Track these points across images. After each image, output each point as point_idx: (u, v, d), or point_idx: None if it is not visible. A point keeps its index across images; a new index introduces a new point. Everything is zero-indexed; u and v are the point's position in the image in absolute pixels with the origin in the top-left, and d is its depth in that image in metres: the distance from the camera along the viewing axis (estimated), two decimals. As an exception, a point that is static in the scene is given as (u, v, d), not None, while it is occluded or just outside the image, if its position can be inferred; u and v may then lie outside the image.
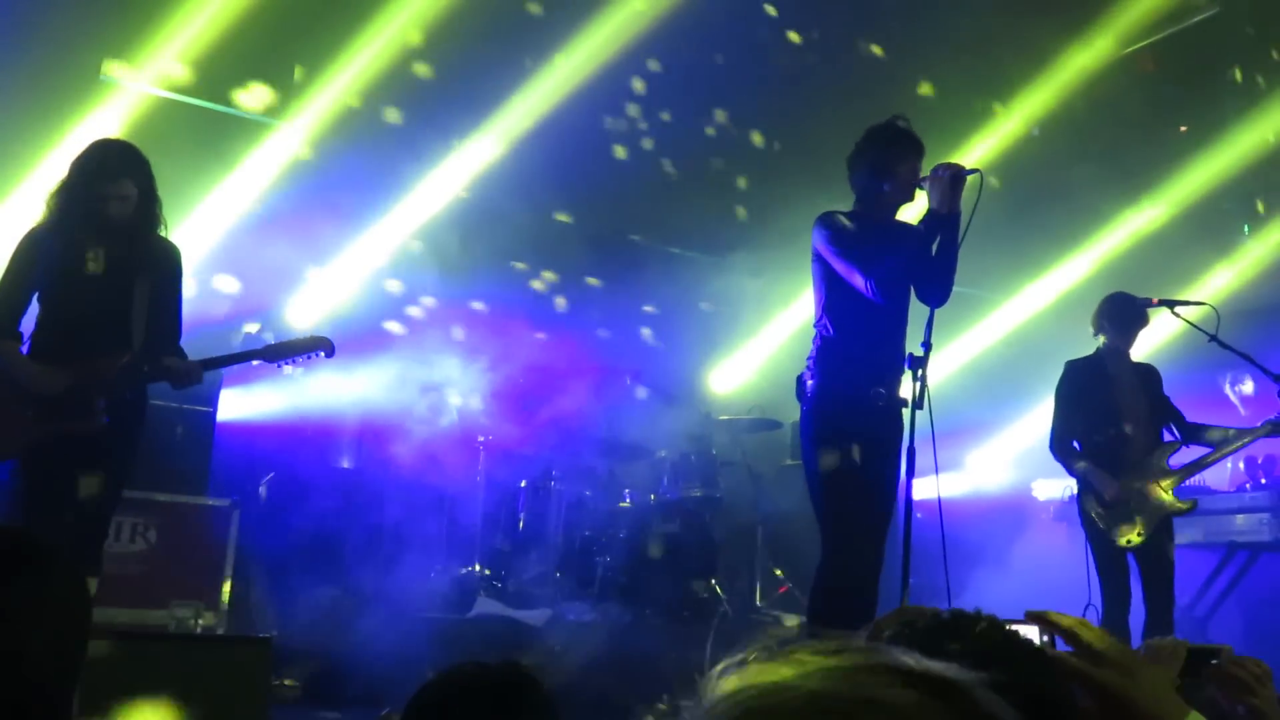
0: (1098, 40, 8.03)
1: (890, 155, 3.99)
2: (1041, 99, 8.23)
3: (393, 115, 7.26)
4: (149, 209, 3.84)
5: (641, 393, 7.07)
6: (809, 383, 3.97)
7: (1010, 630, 1.03)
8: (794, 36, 8.03)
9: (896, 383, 3.94)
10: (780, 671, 0.63)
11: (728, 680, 0.64)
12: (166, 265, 3.93)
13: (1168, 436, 5.15)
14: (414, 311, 7.55)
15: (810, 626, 3.99)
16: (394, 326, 7.34)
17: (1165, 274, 7.51)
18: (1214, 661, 1.46)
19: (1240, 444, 5.05)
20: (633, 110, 7.86)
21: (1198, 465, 5.07)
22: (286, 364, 3.99)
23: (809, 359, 4.03)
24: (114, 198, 3.73)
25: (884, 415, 3.89)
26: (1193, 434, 5.13)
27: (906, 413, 4.00)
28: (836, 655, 0.63)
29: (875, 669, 0.62)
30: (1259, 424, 5.02)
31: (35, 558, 1.24)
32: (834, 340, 3.97)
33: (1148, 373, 5.25)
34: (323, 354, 4.00)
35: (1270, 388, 4.79)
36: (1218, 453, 5.06)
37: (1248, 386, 6.89)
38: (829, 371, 3.93)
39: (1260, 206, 8.23)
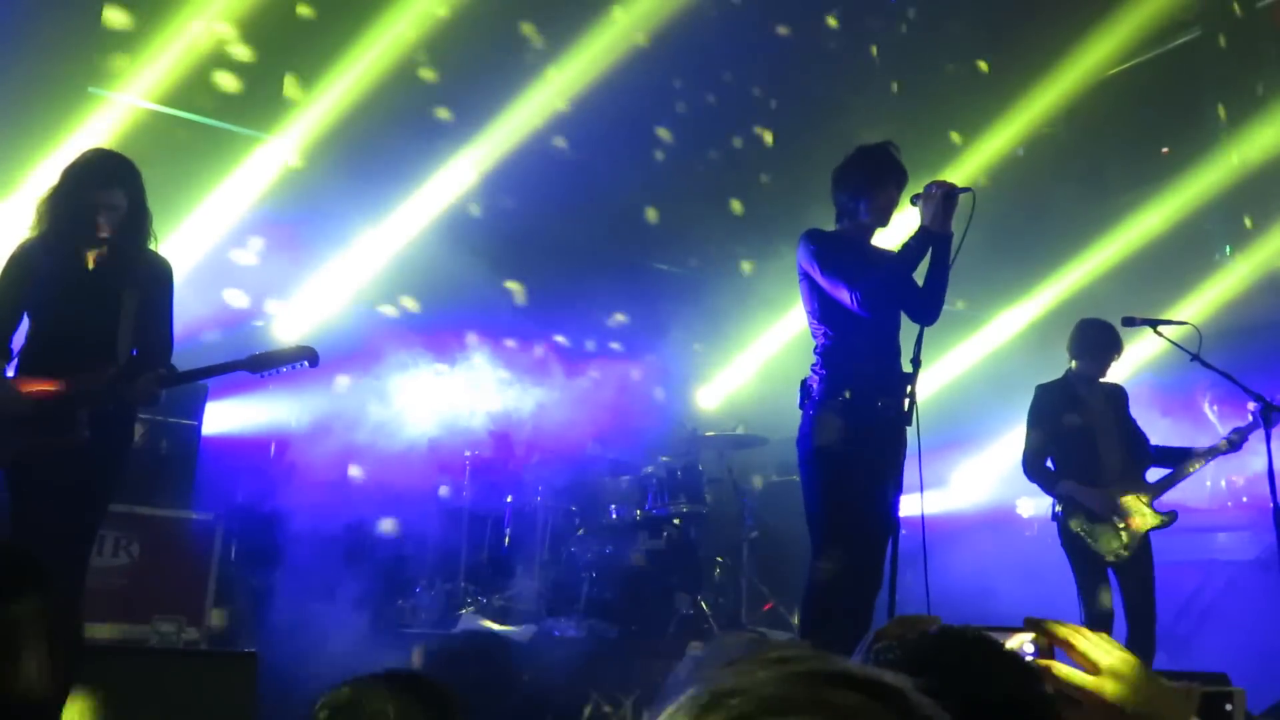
0: (1082, 61, 8.12)
1: (871, 178, 4.02)
2: (1026, 119, 8.31)
3: (384, 126, 7.28)
4: (138, 221, 3.82)
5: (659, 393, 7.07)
6: (815, 388, 3.94)
7: (993, 642, 1.04)
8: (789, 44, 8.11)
9: (899, 395, 3.89)
10: (733, 678, 0.66)
11: (683, 688, 0.67)
12: (156, 278, 3.90)
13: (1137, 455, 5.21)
14: (398, 324, 7.54)
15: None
16: (379, 340, 7.33)
17: (1148, 293, 7.58)
18: (1229, 708, 1.44)
19: (1201, 464, 5.15)
20: (620, 123, 7.91)
21: (1168, 482, 5.13)
22: (270, 374, 3.96)
23: (814, 365, 4.02)
24: (103, 206, 3.71)
25: (889, 427, 3.85)
26: (1157, 457, 5.22)
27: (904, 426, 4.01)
28: (784, 663, 0.66)
29: (821, 674, 0.65)
30: (1218, 442, 5.10)
31: (27, 573, 1.24)
32: (836, 349, 3.97)
33: (1117, 394, 5.32)
34: (306, 363, 3.96)
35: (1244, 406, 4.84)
36: (1179, 473, 5.15)
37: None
38: (835, 378, 3.91)
39: (1246, 223, 8.31)
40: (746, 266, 8.73)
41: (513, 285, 7.94)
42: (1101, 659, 1.05)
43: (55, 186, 3.77)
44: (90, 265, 3.76)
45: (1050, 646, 1.10)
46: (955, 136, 8.41)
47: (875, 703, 0.64)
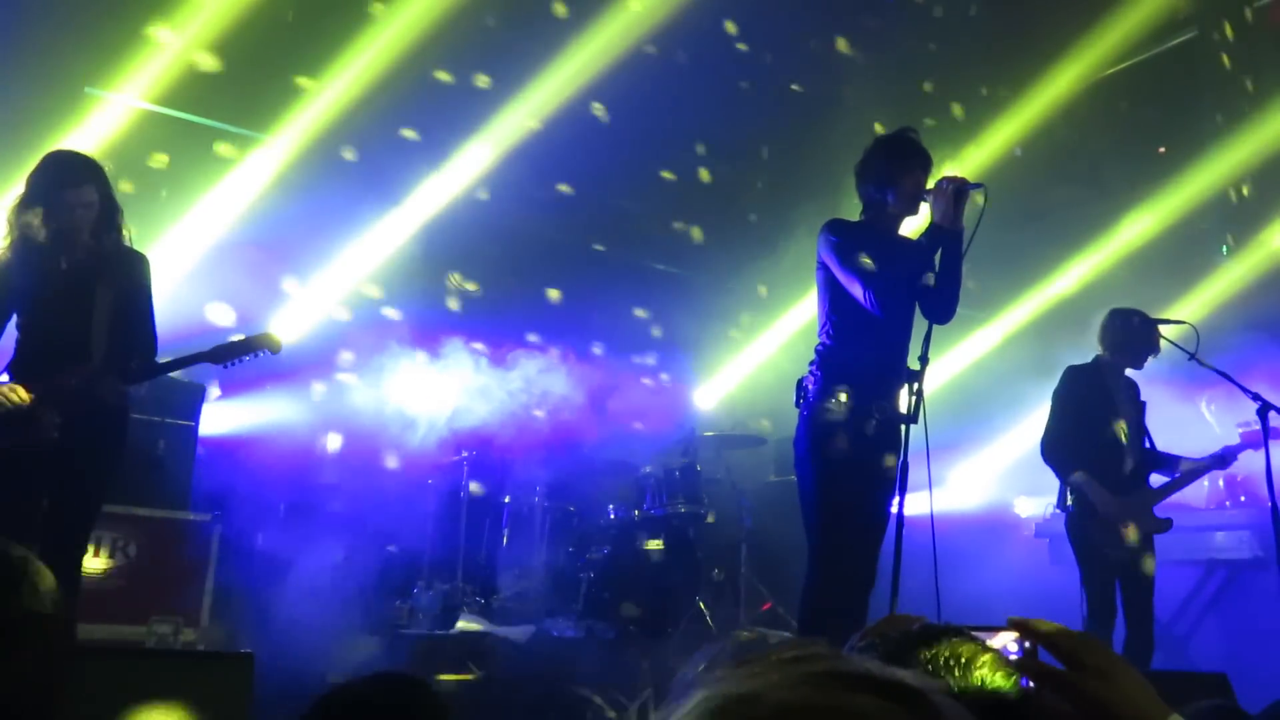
0: (1078, 62, 8.12)
1: (896, 166, 3.99)
2: (1023, 119, 8.32)
3: (379, 127, 7.28)
4: (110, 215, 3.80)
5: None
6: (810, 388, 3.93)
7: (977, 639, 1.05)
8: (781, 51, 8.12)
9: (896, 396, 3.87)
10: (746, 681, 0.64)
11: (694, 691, 0.65)
12: (132, 273, 3.86)
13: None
14: (396, 324, 7.54)
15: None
16: (377, 340, 7.33)
17: (1145, 292, 7.58)
18: None
19: (1193, 476, 5.15)
20: (617, 126, 7.91)
21: (1169, 489, 5.13)
22: (234, 364, 3.93)
23: (811, 365, 4.00)
24: (77, 204, 3.69)
25: (883, 428, 3.84)
26: (1152, 461, 5.21)
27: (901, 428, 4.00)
28: (799, 663, 0.64)
29: (838, 676, 0.63)
30: (1206, 457, 5.10)
31: (20, 573, 1.23)
32: (836, 349, 3.95)
33: (1133, 388, 5.28)
34: (268, 350, 3.94)
35: (1244, 407, 4.85)
36: (1181, 481, 5.14)
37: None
38: (832, 379, 3.90)
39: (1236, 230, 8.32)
40: (745, 266, 8.73)
41: (512, 285, 7.93)
42: (1084, 657, 1.05)
43: (25, 193, 3.74)
44: (65, 266, 3.73)
45: (1034, 645, 1.10)
46: (962, 124, 8.42)
47: (896, 706, 0.62)
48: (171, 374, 4.06)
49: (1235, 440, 5.24)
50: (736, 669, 0.65)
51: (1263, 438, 4.68)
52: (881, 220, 4.05)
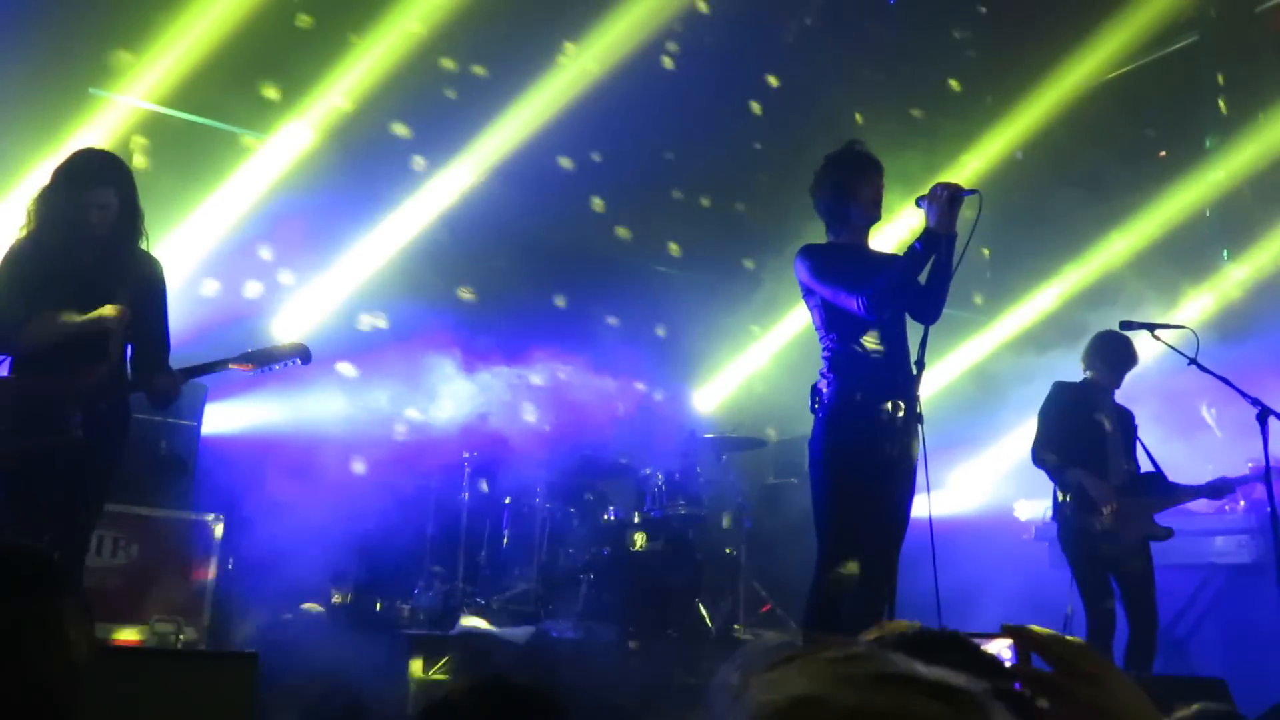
0: (1080, 65, 8.14)
1: (851, 178, 4.01)
2: (1024, 123, 8.34)
3: (380, 130, 7.29)
4: (130, 220, 3.81)
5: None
6: (825, 391, 3.92)
7: (972, 644, 1.06)
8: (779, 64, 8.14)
9: (910, 394, 3.84)
10: (803, 682, 0.64)
11: (749, 692, 0.65)
12: (148, 278, 3.88)
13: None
14: (396, 325, 7.55)
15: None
16: (377, 341, 7.34)
17: (1146, 297, 7.59)
18: None
19: (1181, 501, 5.26)
20: (616, 125, 7.92)
21: (1164, 505, 5.22)
22: (263, 371, 3.97)
23: (822, 370, 3.99)
24: (94, 205, 3.70)
25: (901, 429, 3.81)
26: (1146, 484, 5.28)
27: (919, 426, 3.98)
28: (848, 663, 0.65)
29: (895, 680, 0.64)
30: (1202, 484, 5.23)
31: (47, 576, 1.24)
32: (844, 355, 3.94)
33: (1125, 414, 5.39)
34: (299, 361, 3.98)
35: (1244, 411, 4.86)
36: (1169, 502, 5.23)
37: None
38: (846, 381, 3.89)
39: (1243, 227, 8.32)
40: (746, 266, 8.74)
41: (512, 287, 7.94)
42: (1077, 663, 1.06)
43: (45, 187, 3.76)
44: (82, 264, 3.75)
45: (1028, 652, 1.11)
46: (964, 127, 8.44)
47: (959, 714, 0.63)
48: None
49: (1242, 463, 5.30)
50: (785, 669, 0.66)
51: (1265, 460, 4.71)
52: (847, 235, 4.07)
